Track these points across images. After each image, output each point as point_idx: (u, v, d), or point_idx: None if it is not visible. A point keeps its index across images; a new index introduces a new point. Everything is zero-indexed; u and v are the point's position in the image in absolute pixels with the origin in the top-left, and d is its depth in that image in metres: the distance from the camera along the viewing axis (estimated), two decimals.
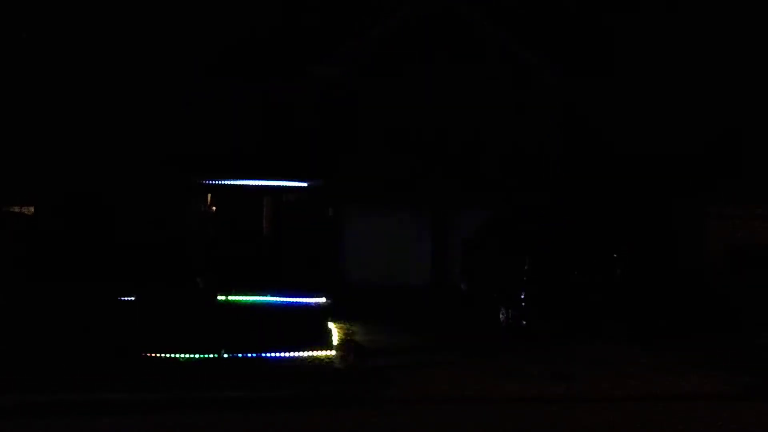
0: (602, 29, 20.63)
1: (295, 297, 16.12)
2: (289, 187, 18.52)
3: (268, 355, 11.57)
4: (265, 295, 16.14)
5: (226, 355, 11.45)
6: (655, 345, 13.41)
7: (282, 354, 11.62)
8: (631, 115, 19.90)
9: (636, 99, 19.83)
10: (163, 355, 11.33)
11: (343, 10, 20.15)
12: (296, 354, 11.66)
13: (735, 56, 19.74)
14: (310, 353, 11.74)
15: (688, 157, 19.70)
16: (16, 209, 19.26)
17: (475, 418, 9.48)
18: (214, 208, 19.38)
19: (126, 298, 15.32)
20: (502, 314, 14.12)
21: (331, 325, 13.83)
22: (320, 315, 14.69)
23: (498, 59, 18.99)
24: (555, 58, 19.42)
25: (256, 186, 18.37)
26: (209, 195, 19.24)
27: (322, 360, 11.58)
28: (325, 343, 12.38)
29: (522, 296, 13.46)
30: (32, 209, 19.10)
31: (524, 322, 13.45)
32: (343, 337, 13.20)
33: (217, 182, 18.30)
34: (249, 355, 11.53)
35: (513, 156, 19.05)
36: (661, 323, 14.87)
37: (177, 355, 11.33)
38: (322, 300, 16.18)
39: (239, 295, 16.00)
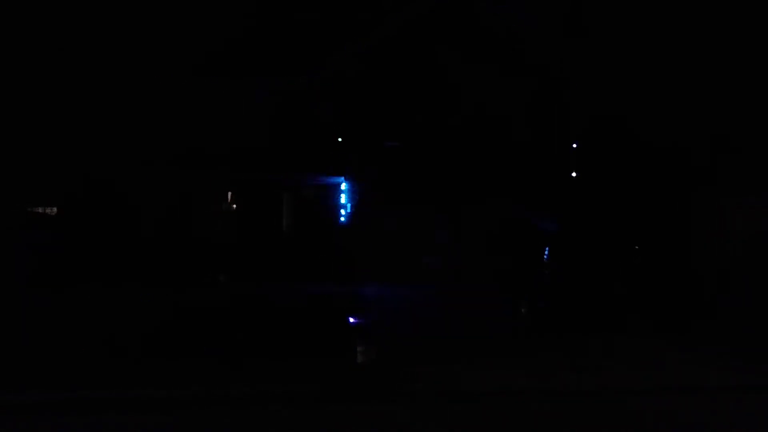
0: (616, 20, 20.48)
1: (314, 292, 16.20)
2: (308, 183, 18.57)
3: (289, 350, 11.63)
4: (285, 291, 16.24)
5: (246, 350, 11.53)
6: (679, 336, 13.34)
7: (302, 349, 11.67)
8: (650, 104, 19.74)
9: (653, 87, 19.66)
10: (186, 350, 11.42)
11: (360, 3, 20.14)
12: (317, 349, 11.71)
13: (749, 46, 19.50)
14: (331, 348, 11.79)
15: (707, 145, 19.50)
16: (40, 210, 19.50)
17: (499, 411, 9.49)
18: (234, 205, 19.49)
19: (149, 296, 15.56)
20: (524, 308, 14.11)
21: (350, 319, 13.87)
22: (339, 310, 14.75)
23: (510, 50, 18.94)
24: (567, 49, 19.34)
25: (275, 181, 18.44)
26: (230, 192, 19.35)
27: (342, 355, 11.62)
28: (345, 337, 12.43)
29: (543, 289, 13.43)
30: (55, 210, 19.32)
31: (545, 316, 13.43)
32: (363, 331, 13.25)
33: (237, 179, 18.40)
34: (269, 350, 11.60)
35: (530, 148, 19.00)
36: (684, 314, 14.78)
37: (200, 351, 11.42)
38: (341, 295, 16.24)
39: (259, 291, 16.13)
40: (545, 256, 13.63)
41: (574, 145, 19.27)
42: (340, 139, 18.75)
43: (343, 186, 18.63)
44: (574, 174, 19.13)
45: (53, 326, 13.04)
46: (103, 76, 18.48)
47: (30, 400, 9.38)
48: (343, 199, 18.88)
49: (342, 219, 18.97)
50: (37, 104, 18.12)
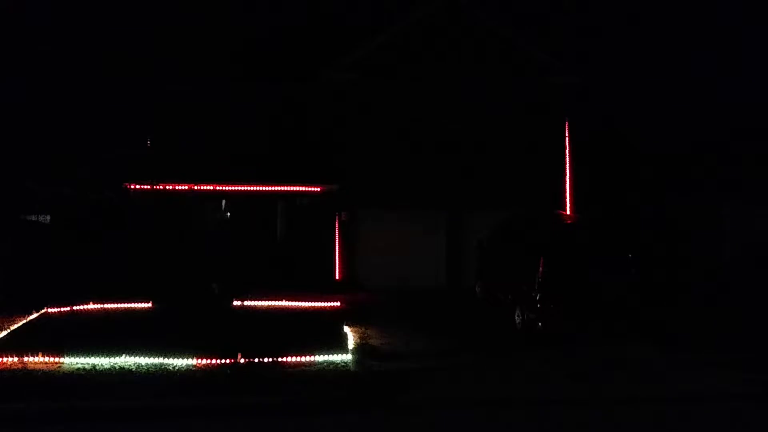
0: (613, 26, 20.54)
1: (310, 301, 16.13)
2: (303, 191, 18.51)
3: (284, 359, 11.57)
4: (281, 300, 16.17)
5: (242, 360, 11.46)
6: (673, 345, 13.30)
7: (298, 358, 11.61)
8: (645, 112, 19.79)
9: (650, 95, 19.71)
10: (181, 361, 11.35)
11: (354, 14, 20.21)
12: (312, 358, 11.65)
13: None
14: (326, 357, 11.73)
15: (704, 155, 19.56)
16: (33, 218, 19.46)
17: (495, 420, 9.45)
18: (228, 213, 19.42)
19: (143, 305, 15.47)
20: (518, 316, 14.04)
21: (346, 328, 13.80)
22: (335, 318, 14.68)
23: (508, 61, 18.97)
24: (564, 55, 19.38)
25: (269, 191, 18.37)
26: (223, 200, 19.28)
27: (338, 364, 11.56)
28: (340, 346, 12.36)
29: (537, 298, 13.35)
30: (48, 218, 19.27)
31: (540, 324, 13.34)
32: (359, 340, 13.17)
33: (230, 188, 18.33)
34: (265, 359, 11.54)
35: (526, 157, 18.99)
36: (679, 323, 14.76)
37: (194, 361, 11.36)
38: (337, 303, 16.18)
39: (254, 300, 16.06)
40: (540, 267, 13.52)
41: (573, 148, 19.28)
42: (335, 146, 18.72)
43: (340, 194, 18.58)
44: (572, 177, 19.15)
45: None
46: (90, 89, 18.52)
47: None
48: (338, 206, 18.83)
49: (338, 226, 18.92)
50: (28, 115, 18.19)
